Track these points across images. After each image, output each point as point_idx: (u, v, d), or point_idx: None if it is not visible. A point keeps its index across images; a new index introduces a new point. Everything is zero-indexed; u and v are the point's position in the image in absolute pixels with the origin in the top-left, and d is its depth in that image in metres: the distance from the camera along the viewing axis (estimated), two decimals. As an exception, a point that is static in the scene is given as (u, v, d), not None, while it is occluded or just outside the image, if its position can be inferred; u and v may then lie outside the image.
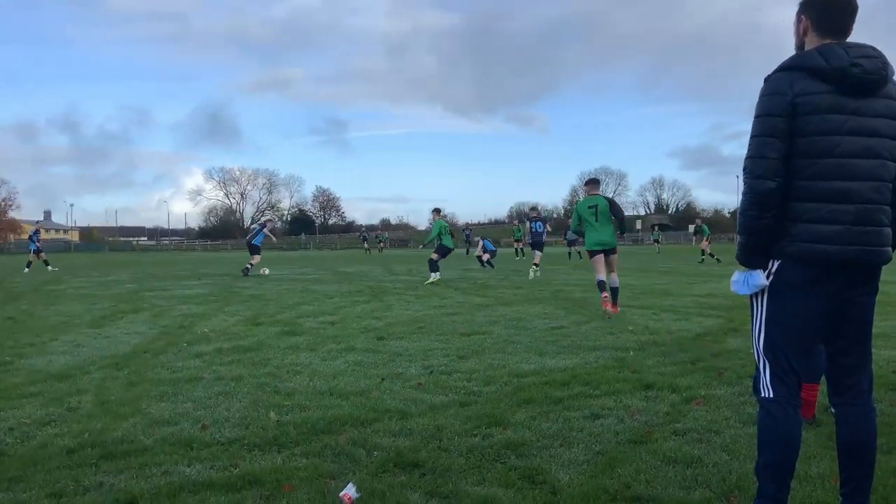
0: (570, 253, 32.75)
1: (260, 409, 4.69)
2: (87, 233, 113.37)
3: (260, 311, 10.80)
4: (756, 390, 2.71)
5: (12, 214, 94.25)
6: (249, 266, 20.82)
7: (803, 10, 2.66)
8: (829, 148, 2.49)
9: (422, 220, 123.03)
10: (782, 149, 2.51)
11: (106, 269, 27.84)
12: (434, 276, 16.44)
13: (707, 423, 4.23)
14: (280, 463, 3.62)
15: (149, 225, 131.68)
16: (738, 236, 2.68)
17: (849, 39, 2.59)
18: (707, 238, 27.76)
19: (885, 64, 2.53)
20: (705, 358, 6.32)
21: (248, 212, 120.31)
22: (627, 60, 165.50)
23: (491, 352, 6.86)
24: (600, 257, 10.22)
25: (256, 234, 21.42)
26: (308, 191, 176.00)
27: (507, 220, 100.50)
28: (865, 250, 2.51)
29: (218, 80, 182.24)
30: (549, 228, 20.27)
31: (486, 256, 23.86)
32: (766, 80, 2.61)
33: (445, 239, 17.08)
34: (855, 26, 2.60)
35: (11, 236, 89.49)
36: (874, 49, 2.54)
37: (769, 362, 2.65)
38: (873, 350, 2.78)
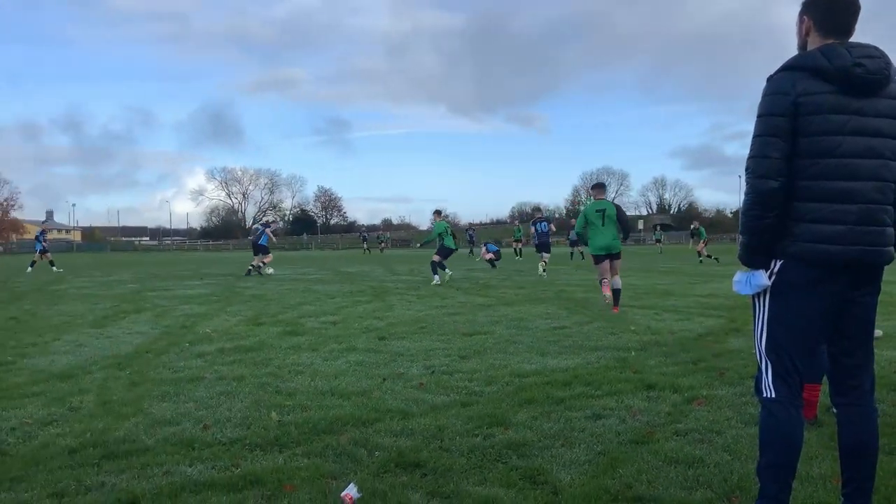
0: (572, 253, 32.74)
1: (261, 409, 4.69)
2: (89, 233, 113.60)
3: (262, 311, 10.81)
4: (758, 390, 2.70)
5: (15, 214, 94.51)
6: (262, 265, 21.20)
7: (806, 10, 2.65)
8: (832, 148, 2.48)
9: (423, 220, 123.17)
10: (785, 148, 2.51)
11: (108, 269, 27.86)
12: (437, 279, 16.38)
13: (709, 424, 4.22)
14: (281, 463, 3.62)
15: (151, 225, 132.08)
16: (741, 236, 2.67)
17: (851, 39, 2.59)
18: (704, 240, 27.86)
19: (887, 64, 2.52)
20: (707, 358, 6.31)
21: (250, 212, 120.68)
22: (628, 60, 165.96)
23: (492, 352, 6.86)
24: (606, 263, 10.43)
25: (261, 234, 21.63)
26: (310, 191, 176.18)
27: (508, 220, 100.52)
28: (868, 250, 2.51)
29: (219, 80, 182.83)
30: (553, 228, 20.27)
31: (488, 256, 24.05)
32: (769, 79, 2.61)
33: (447, 240, 17.04)
34: (858, 26, 2.60)
35: (14, 236, 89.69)
36: (877, 49, 2.54)
37: (771, 362, 2.64)
38: (875, 350, 2.78)
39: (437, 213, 18.46)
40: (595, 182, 11.70)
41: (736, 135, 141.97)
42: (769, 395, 2.64)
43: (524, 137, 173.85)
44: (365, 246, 56.51)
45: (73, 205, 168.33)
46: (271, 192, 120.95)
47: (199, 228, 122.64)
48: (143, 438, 4.07)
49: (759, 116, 2.57)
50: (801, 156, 2.51)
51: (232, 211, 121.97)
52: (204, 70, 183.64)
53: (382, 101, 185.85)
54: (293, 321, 9.47)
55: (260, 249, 21.40)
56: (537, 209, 21.00)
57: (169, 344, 7.60)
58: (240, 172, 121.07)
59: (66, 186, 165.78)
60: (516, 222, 44.79)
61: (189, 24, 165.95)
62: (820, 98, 2.48)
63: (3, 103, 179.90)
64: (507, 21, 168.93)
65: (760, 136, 2.54)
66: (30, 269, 25.23)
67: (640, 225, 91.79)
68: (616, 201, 11.86)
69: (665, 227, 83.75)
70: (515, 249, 33.54)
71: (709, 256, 26.49)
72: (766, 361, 2.67)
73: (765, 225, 2.55)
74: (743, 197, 2.63)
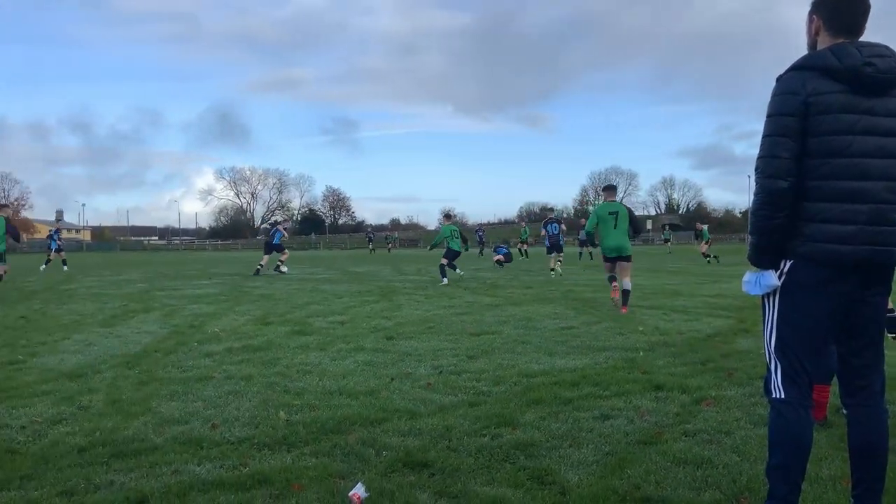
0: (580, 253, 32.72)
1: (270, 409, 4.70)
2: (98, 232, 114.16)
3: (270, 311, 10.84)
4: (767, 391, 2.69)
5: (25, 214, 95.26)
6: (280, 263, 21.58)
7: (815, 9, 2.64)
8: (842, 147, 2.47)
9: (431, 220, 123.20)
10: (794, 148, 2.50)
11: (117, 269, 27.99)
12: (445, 281, 16.41)
13: (717, 424, 4.21)
14: (289, 462, 3.63)
15: (160, 224, 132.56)
16: (750, 236, 2.66)
17: (861, 39, 2.57)
18: (706, 241, 27.95)
19: (898, 63, 2.50)
20: (716, 359, 6.29)
21: (259, 211, 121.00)
22: (636, 59, 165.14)
23: (500, 352, 6.85)
24: (615, 264, 10.61)
25: (275, 233, 21.94)
26: (318, 190, 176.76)
27: (516, 220, 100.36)
28: (878, 250, 2.49)
29: (227, 80, 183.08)
30: (564, 228, 20.43)
31: (498, 258, 24.41)
32: (779, 79, 2.60)
33: (453, 243, 17.15)
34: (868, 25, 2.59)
35: (24, 236, 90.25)
36: (887, 48, 2.52)
37: (780, 363, 2.63)
38: (885, 351, 2.76)
39: (447, 216, 18.55)
40: (606, 184, 11.93)
41: (744, 134, 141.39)
42: (778, 396, 2.63)
43: (532, 137, 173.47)
44: (370, 246, 56.63)
45: (83, 204, 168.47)
46: (280, 192, 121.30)
47: (207, 228, 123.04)
48: (152, 437, 4.09)
49: (768, 116, 2.56)
50: (812, 155, 2.50)
51: (240, 211, 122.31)
52: (211, 70, 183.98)
53: (390, 100, 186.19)
54: (301, 321, 9.49)
55: (273, 248, 21.68)
56: (549, 210, 21.07)
57: (177, 343, 7.63)
58: (248, 172, 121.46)
59: (76, 186, 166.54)
60: (523, 223, 44.73)
61: (197, 24, 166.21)
62: (830, 97, 2.47)
63: (12, 103, 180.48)
64: (514, 20, 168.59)
65: (770, 136, 2.54)
66: (44, 266, 25.55)
67: (649, 225, 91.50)
68: (625, 201, 12.17)
69: (674, 227, 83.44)
70: (521, 250, 33.60)
71: (706, 255, 26.57)
72: (774, 362, 2.66)
73: (774, 225, 2.54)
74: (752, 197, 2.62)
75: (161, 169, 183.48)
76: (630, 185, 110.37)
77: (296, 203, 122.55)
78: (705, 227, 29.67)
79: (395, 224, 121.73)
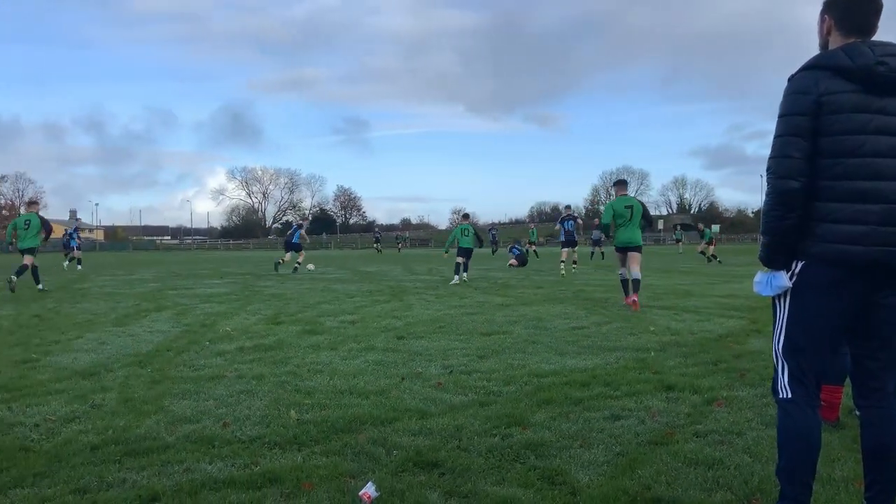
0: (592, 252, 32.70)
1: (281, 408, 4.72)
2: (111, 232, 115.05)
3: (281, 310, 10.87)
4: (774, 391, 2.69)
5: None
6: (298, 264, 21.84)
7: (827, 9, 2.63)
8: (854, 147, 2.46)
9: (442, 220, 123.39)
10: (806, 148, 2.49)
11: (130, 268, 28.16)
12: (456, 279, 16.63)
13: (729, 425, 4.19)
14: (300, 461, 3.64)
15: (172, 224, 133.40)
16: (762, 236, 2.65)
17: (874, 38, 2.55)
18: (707, 241, 27.89)
19: (911, 62, 2.48)
20: (727, 359, 6.26)
21: (270, 211, 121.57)
22: (646, 59, 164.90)
23: (511, 352, 6.85)
24: (626, 255, 10.97)
25: (294, 233, 22.23)
26: (329, 190, 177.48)
27: (527, 220, 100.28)
28: (891, 251, 2.47)
29: (239, 80, 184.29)
30: (580, 222, 20.60)
31: (512, 262, 24.85)
32: (790, 79, 2.59)
33: (462, 240, 17.47)
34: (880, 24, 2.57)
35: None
36: (900, 47, 2.50)
37: (787, 363, 2.62)
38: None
39: (464, 216, 19.02)
40: (617, 179, 12.09)
41: (756, 134, 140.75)
42: (785, 396, 2.62)
43: (542, 137, 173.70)
44: (377, 246, 56.71)
45: (97, 204, 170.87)
46: (291, 192, 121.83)
47: (219, 228, 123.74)
48: (164, 436, 4.11)
49: (780, 116, 2.55)
50: (824, 155, 2.49)
51: (252, 210, 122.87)
52: (223, 70, 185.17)
53: (401, 100, 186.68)
54: (312, 320, 9.51)
55: (293, 247, 22.01)
56: (567, 207, 21.16)
57: (189, 342, 7.67)
58: (260, 172, 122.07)
59: (89, 186, 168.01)
60: (532, 225, 44.87)
61: (208, 24, 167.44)
62: (842, 97, 2.45)
63: (27, 104, 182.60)
64: (525, 20, 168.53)
65: (782, 136, 2.52)
66: (67, 263, 26.75)
67: (661, 225, 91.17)
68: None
69: (685, 227, 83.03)
70: (528, 251, 33.69)
71: (702, 253, 26.57)
72: (781, 362, 2.65)
73: (786, 225, 2.52)
74: (764, 197, 2.61)
75: (173, 169, 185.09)
76: (642, 184, 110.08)
77: (307, 203, 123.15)
78: (707, 228, 29.88)
79: (405, 224, 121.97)
